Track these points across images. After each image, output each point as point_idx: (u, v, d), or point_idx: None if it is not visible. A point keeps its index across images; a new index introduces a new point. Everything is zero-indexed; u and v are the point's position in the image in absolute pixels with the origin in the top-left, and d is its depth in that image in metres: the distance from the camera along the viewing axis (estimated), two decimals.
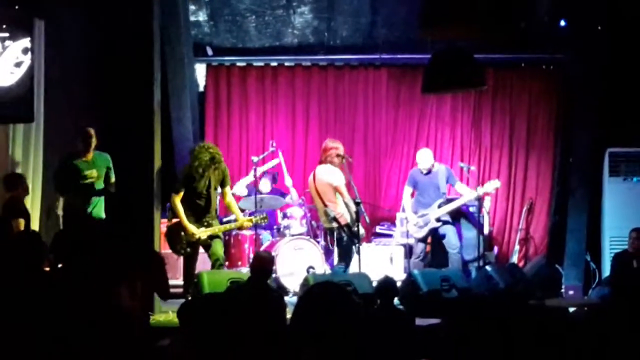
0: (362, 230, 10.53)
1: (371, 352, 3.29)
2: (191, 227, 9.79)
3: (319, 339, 3.03)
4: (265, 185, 12.16)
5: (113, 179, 10.07)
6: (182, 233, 9.82)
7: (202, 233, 9.84)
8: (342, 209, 10.51)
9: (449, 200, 11.52)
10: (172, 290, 10.34)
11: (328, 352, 3.04)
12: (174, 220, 9.96)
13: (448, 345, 3.28)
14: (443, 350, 3.32)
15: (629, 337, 4.05)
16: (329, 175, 10.64)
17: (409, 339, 6.61)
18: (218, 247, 9.94)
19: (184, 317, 4.62)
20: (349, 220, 10.47)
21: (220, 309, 4.47)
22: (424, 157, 11.61)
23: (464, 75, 10.02)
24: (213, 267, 9.86)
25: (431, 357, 4.30)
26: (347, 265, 10.55)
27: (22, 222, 9.25)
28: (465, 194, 11.52)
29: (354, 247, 10.45)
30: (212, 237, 9.92)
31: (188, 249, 9.89)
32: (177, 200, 9.84)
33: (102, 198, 10.12)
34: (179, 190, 9.85)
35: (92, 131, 10.03)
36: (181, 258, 10.39)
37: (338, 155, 10.70)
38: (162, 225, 10.15)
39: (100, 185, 10.07)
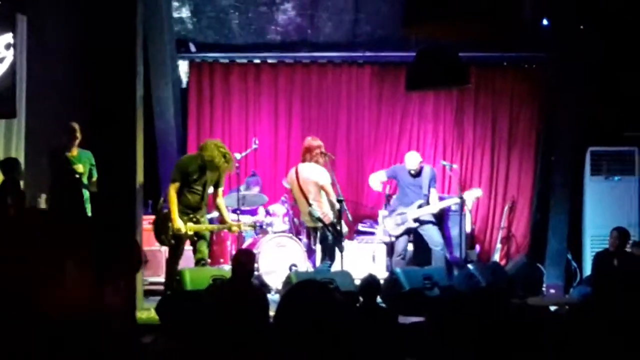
0: (345, 228, 10.53)
1: (354, 349, 3.29)
2: (178, 222, 9.71)
3: (303, 337, 3.03)
4: (255, 191, 12.15)
5: (95, 177, 10.06)
6: (170, 224, 9.77)
7: (188, 229, 9.79)
8: (326, 208, 10.50)
9: (429, 203, 11.51)
10: (155, 287, 10.41)
11: (311, 350, 3.03)
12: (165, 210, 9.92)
13: (431, 344, 3.29)
14: (426, 348, 3.32)
15: (610, 336, 4.07)
16: (315, 174, 10.60)
17: (392, 337, 6.61)
18: (203, 246, 9.89)
19: (163, 313, 4.61)
20: (332, 219, 10.47)
21: (201, 306, 4.46)
22: (413, 160, 11.56)
23: (448, 74, 10.03)
24: (197, 265, 9.83)
25: (414, 355, 4.31)
26: (332, 263, 10.55)
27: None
28: (433, 204, 11.48)
29: (337, 245, 10.43)
30: (198, 235, 9.88)
31: (172, 241, 9.83)
32: (173, 190, 9.72)
33: (88, 195, 10.12)
34: (175, 180, 9.80)
35: (77, 126, 10.03)
36: (165, 255, 10.39)
37: (322, 153, 10.70)
38: (144, 221, 10.14)
39: (84, 181, 10.07)
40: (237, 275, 7.64)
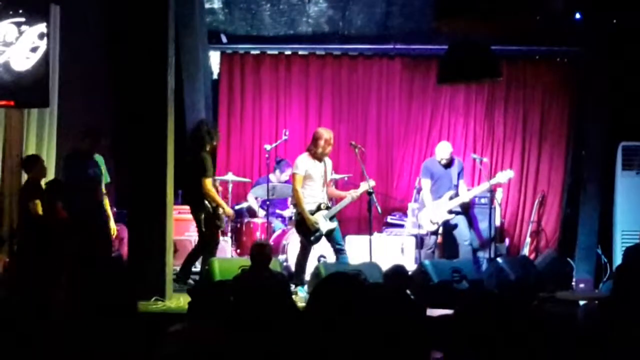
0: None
1: (382, 339, 3.31)
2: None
3: (333, 327, 3.05)
4: (288, 172, 12.13)
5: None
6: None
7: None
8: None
9: (458, 194, 11.53)
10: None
11: (341, 339, 3.05)
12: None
13: (460, 338, 3.29)
14: (454, 342, 3.32)
15: (631, 331, 4.06)
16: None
17: (420, 330, 6.61)
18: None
19: (195, 298, 4.67)
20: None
21: (225, 295, 4.51)
22: (445, 150, 11.60)
23: (479, 67, 10.00)
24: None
25: (441, 348, 4.31)
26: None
27: (38, 203, 9.21)
28: (462, 195, 11.50)
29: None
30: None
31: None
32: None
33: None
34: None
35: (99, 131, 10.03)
36: (193, 244, 10.52)
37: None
38: (174, 212, 10.19)
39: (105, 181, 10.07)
40: (257, 263, 7.88)
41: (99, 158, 10.02)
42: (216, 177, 11.66)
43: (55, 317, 4.06)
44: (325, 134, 10.27)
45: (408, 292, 8.18)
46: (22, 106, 9.97)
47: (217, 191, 10.88)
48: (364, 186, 10.32)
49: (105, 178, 10.09)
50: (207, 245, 10.36)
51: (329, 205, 10.32)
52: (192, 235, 11.41)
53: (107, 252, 9.72)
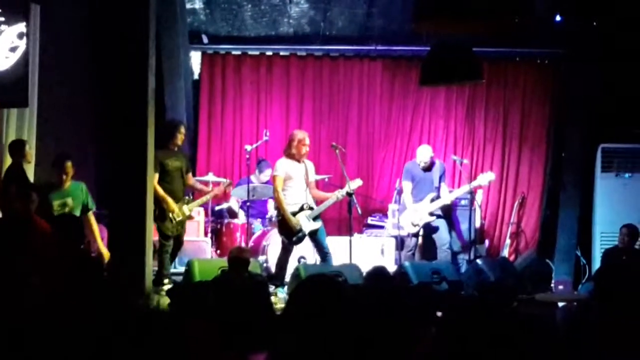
0: None
1: (362, 341, 3.31)
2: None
3: (310, 330, 3.05)
4: (267, 173, 12.11)
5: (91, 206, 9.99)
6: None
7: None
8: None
9: (439, 196, 11.53)
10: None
11: (318, 341, 3.05)
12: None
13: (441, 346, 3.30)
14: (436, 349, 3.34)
15: (612, 334, 4.08)
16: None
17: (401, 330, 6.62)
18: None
19: (174, 300, 4.66)
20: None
21: (204, 296, 4.51)
22: (425, 154, 11.58)
23: (462, 69, 9.99)
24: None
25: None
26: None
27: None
28: (443, 197, 11.48)
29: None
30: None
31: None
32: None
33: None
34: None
35: (69, 162, 9.84)
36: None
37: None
38: None
39: (76, 214, 9.88)
40: (234, 267, 7.89)
41: (76, 187, 9.95)
42: (197, 178, 11.63)
43: (29, 319, 4.04)
44: (299, 134, 10.32)
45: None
46: (1, 106, 9.93)
47: (192, 190, 10.88)
48: (349, 186, 10.32)
49: (91, 205, 9.99)
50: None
51: (312, 206, 10.31)
52: None
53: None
